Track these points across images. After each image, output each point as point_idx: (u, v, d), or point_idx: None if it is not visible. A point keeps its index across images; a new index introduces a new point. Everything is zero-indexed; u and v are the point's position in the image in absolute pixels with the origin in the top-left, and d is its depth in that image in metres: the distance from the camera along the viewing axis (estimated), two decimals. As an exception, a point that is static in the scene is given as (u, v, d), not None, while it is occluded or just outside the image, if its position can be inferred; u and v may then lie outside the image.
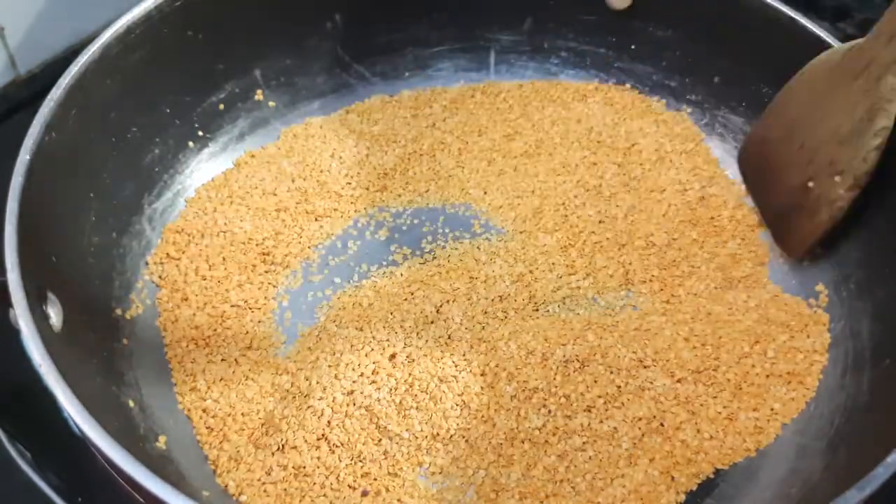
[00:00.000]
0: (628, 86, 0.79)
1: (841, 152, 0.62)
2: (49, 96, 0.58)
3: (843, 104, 0.62)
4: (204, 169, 0.73)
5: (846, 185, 0.62)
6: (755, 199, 0.71)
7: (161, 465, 0.56)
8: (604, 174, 0.73)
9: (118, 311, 0.63)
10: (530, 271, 0.68)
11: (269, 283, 0.67)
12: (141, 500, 0.46)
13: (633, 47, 0.78)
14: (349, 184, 0.73)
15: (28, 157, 0.55)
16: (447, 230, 0.72)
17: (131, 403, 0.58)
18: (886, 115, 0.59)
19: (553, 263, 0.68)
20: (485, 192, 0.74)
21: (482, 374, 0.61)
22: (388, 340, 0.62)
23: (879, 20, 0.60)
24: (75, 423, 0.46)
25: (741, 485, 0.59)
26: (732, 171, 0.74)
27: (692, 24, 0.74)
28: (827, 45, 0.66)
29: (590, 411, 0.59)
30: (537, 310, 0.66)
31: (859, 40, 0.62)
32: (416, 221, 0.72)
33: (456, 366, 0.61)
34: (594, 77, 0.80)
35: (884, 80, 0.59)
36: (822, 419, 0.60)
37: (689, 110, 0.78)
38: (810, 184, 0.64)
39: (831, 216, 0.63)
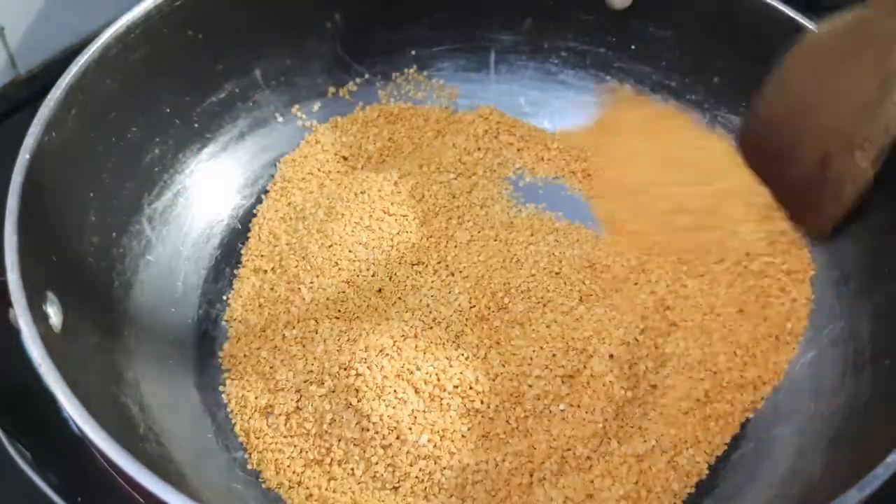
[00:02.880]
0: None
1: (859, 125, 0.60)
2: (49, 96, 0.58)
3: (854, 77, 0.61)
4: (204, 169, 0.73)
5: (870, 158, 0.60)
6: (765, 181, 0.68)
7: (161, 465, 0.56)
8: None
9: (118, 311, 0.63)
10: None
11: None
12: (141, 500, 0.46)
13: (633, 47, 0.78)
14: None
15: (28, 156, 0.55)
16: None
17: (131, 403, 0.58)
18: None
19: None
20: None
21: (491, 379, 0.61)
22: (395, 345, 0.62)
23: None
24: (75, 423, 0.46)
25: (741, 485, 0.59)
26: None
27: (692, 24, 0.74)
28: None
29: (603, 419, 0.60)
30: (545, 314, 0.66)
31: (858, 11, 0.61)
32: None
33: (462, 370, 0.61)
34: (594, 77, 0.80)
35: (893, 51, 0.58)
36: (822, 419, 0.60)
37: (689, 110, 0.78)
38: (829, 160, 0.62)
39: (857, 191, 0.62)
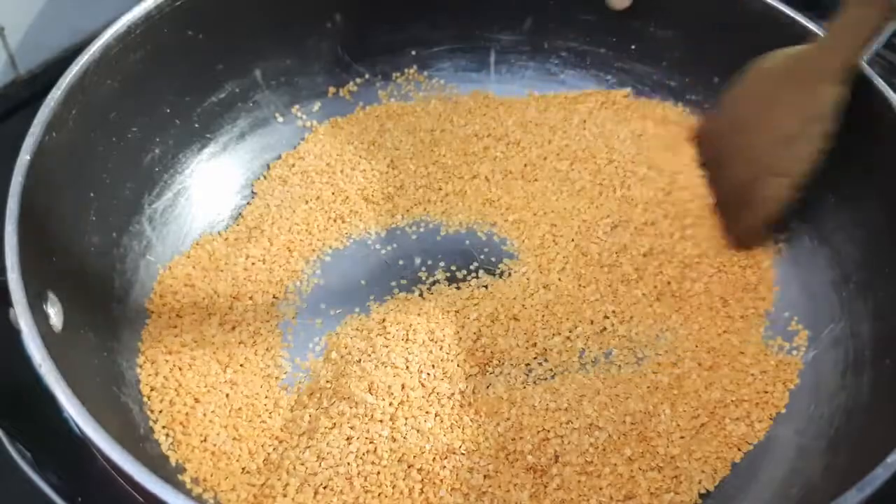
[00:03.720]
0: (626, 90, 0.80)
1: (782, 155, 0.65)
2: (49, 96, 0.58)
3: (787, 108, 0.65)
4: (204, 169, 0.73)
5: (786, 187, 0.66)
6: (710, 184, 0.72)
7: (161, 465, 0.56)
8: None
9: (118, 311, 0.63)
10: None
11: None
12: (141, 499, 0.46)
13: (633, 47, 0.78)
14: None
15: (28, 157, 0.55)
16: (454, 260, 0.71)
17: (131, 403, 0.58)
18: (822, 120, 0.63)
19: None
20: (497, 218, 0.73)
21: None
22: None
23: (824, 33, 0.64)
24: (75, 424, 0.46)
25: (741, 485, 0.59)
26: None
27: (692, 24, 0.74)
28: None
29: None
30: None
31: (802, 46, 0.65)
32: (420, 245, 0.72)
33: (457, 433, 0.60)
34: (594, 77, 0.80)
35: (822, 87, 0.62)
36: (822, 419, 0.60)
37: (688, 110, 0.78)
38: (757, 181, 0.67)
39: (777, 211, 0.67)
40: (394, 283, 0.69)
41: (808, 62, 0.64)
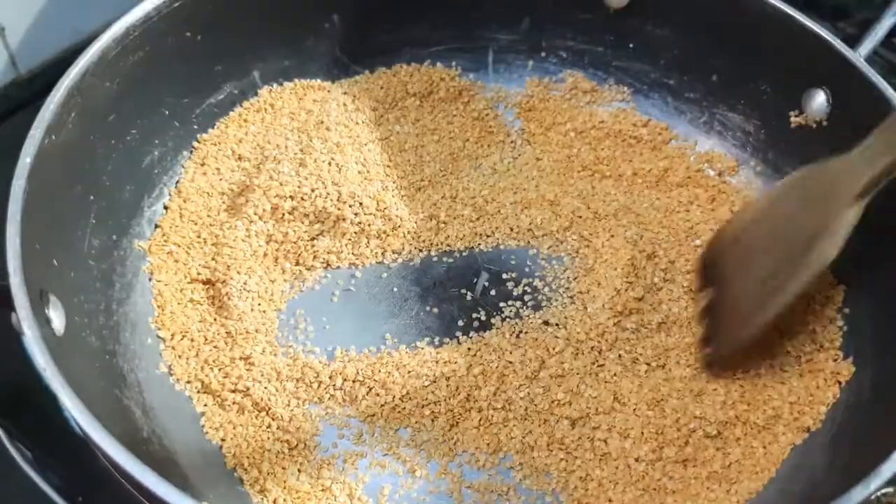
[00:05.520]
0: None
1: (784, 268, 0.61)
2: (48, 99, 0.57)
3: (798, 228, 0.61)
4: (203, 170, 0.73)
5: (779, 303, 0.61)
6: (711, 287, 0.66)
7: (165, 468, 0.56)
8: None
9: (119, 314, 0.62)
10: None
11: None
12: (143, 501, 0.46)
13: (631, 46, 0.78)
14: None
15: (29, 160, 0.54)
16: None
17: (133, 406, 0.58)
18: (831, 243, 0.58)
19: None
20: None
21: None
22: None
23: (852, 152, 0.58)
24: (80, 427, 0.46)
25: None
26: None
27: (690, 22, 0.75)
28: (826, 45, 0.66)
29: None
30: None
31: (824, 164, 0.60)
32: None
33: None
34: (592, 76, 0.80)
35: (836, 207, 0.58)
36: (824, 417, 0.60)
37: (687, 109, 0.78)
38: (754, 300, 0.62)
39: (753, 335, 0.62)
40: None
41: (826, 182, 0.60)
